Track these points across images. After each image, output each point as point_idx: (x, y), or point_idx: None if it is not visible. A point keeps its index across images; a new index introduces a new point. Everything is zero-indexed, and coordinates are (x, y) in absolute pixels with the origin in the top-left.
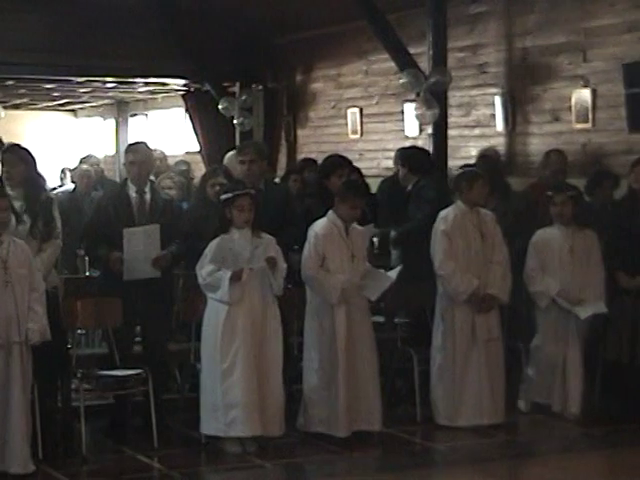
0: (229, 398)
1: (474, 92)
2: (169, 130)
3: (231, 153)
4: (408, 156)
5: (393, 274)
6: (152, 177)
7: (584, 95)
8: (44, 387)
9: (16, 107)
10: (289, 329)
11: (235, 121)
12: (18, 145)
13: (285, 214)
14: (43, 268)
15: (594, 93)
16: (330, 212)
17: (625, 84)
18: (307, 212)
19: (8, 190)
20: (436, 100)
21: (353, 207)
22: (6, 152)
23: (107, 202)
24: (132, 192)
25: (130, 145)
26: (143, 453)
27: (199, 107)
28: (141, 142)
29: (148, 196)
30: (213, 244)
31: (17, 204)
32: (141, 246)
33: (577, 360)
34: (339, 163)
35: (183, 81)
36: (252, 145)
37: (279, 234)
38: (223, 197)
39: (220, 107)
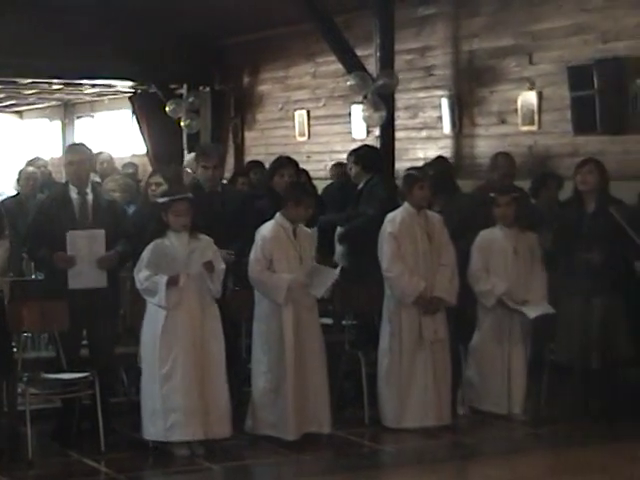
0: (169, 403)
1: (421, 94)
2: (116, 132)
3: (193, 155)
4: (361, 154)
5: (336, 270)
6: (98, 179)
7: (530, 98)
8: None
9: None
10: (238, 331)
11: (182, 123)
12: None
13: (243, 218)
14: None
15: (540, 96)
16: (278, 214)
17: (570, 87)
18: (258, 214)
19: None
20: (383, 102)
21: (301, 208)
22: None
23: (49, 204)
24: (73, 193)
25: (69, 146)
26: (90, 457)
27: (146, 109)
28: (80, 143)
29: (90, 197)
30: (149, 248)
31: None
32: (85, 250)
33: (521, 361)
34: (280, 163)
35: (130, 83)
36: (216, 150)
37: (237, 238)
38: (160, 201)
39: (167, 109)
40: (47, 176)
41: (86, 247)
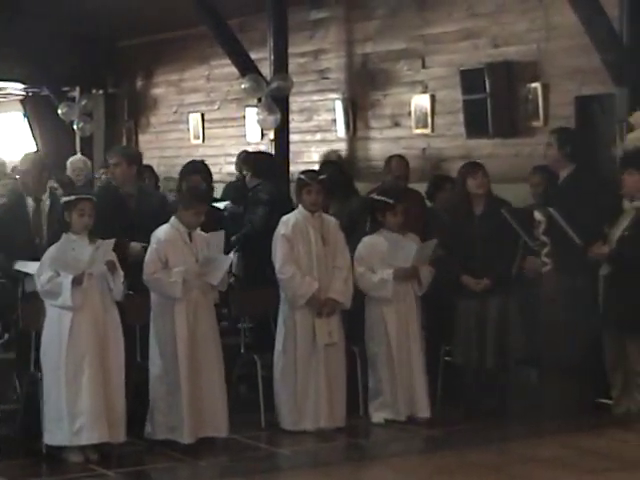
0: (75, 406)
1: (315, 97)
2: (7, 135)
3: (73, 158)
4: (251, 159)
5: (229, 256)
6: None
7: (423, 101)
8: None
9: None
10: (133, 335)
11: (75, 126)
12: None
13: (161, 221)
14: None
15: (433, 99)
16: (173, 218)
17: (462, 90)
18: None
19: None
20: (278, 105)
21: (195, 213)
22: None
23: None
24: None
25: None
26: None
27: (38, 112)
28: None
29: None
30: (52, 249)
31: None
32: None
33: (421, 363)
34: (189, 168)
35: (21, 85)
36: (119, 149)
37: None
38: (64, 199)
39: (60, 112)
40: None
41: None
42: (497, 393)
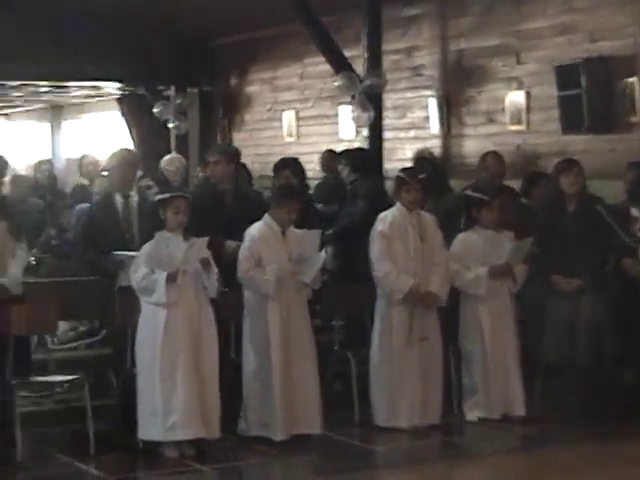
0: (169, 402)
1: (409, 94)
2: (104, 134)
3: (168, 156)
4: (351, 156)
5: (322, 254)
6: (85, 181)
7: (518, 97)
8: None
9: None
10: (228, 332)
11: (170, 125)
12: None
13: (257, 218)
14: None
15: (528, 95)
16: (266, 215)
17: (558, 86)
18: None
19: None
20: (371, 103)
21: (288, 211)
22: None
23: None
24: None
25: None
26: (79, 459)
27: (134, 110)
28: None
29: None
30: (147, 246)
31: None
32: None
33: (516, 361)
34: (281, 164)
35: (118, 84)
36: (219, 147)
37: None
38: (158, 197)
39: (155, 110)
40: (51, 180)
41: None
42: (592, 392)
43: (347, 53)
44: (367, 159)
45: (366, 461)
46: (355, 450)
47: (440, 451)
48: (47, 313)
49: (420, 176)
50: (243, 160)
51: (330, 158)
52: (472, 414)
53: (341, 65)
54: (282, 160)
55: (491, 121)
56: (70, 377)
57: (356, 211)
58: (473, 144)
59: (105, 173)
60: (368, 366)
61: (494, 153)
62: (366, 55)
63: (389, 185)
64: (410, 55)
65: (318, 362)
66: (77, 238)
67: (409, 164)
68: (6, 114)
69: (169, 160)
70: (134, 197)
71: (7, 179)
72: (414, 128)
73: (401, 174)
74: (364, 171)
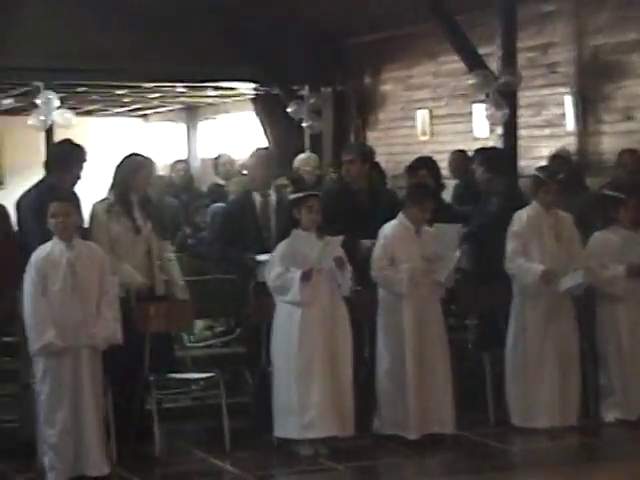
0: (305, 400)
1: (544, 92)
2: (239, 134)
3: (302, 155)
4: (485, 156)
5: (457, 253)
6: (220, 181)
7: None
8: (120, 390)
9: (88, 113)
10: (361, 330)
11: (304, 124)
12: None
13: (391, 218)
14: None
15: None
16: (400, 214)
17: None
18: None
19: (131, 196)
20: (506, 100)
21: (422, 210)
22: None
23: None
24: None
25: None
26: (215, 456)
27: (269, 110)
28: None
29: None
30: (282, 245)
31: (135, 209)
32: None
33: None
34: (411, 165)
35: (252, 85)
36: (354, 146)
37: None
38: (292, 197)
39: (289, 110)
40: (187, 180)
41: None
42: None
43: (481, 51)
44: (501, 158)
45: (501, 461)
46: (490, 450)
47: (576, 453)
48: (184, 311)
49: (559, 177)
50: (377, 159)
51: (459, 159)
52: (609, 415)
53: (475, 63)
54: (418, 159)
55: (629, 118)
56: (206, 375)
57: (491, 210)
58: (610, 141)
59: (245, 172)
60: (502, 366)
61: (631, 151)
62: (500, 53)
63: (523, 183)
64: (545, 52)
65: (452, 361)
66: (214, 237)
67: (544, 162)
68: (143, 115)
69: (303, 159)
70: (272, 196)
71: None
72: (549, 126)
73: (539, 174)
74: (498, 170)
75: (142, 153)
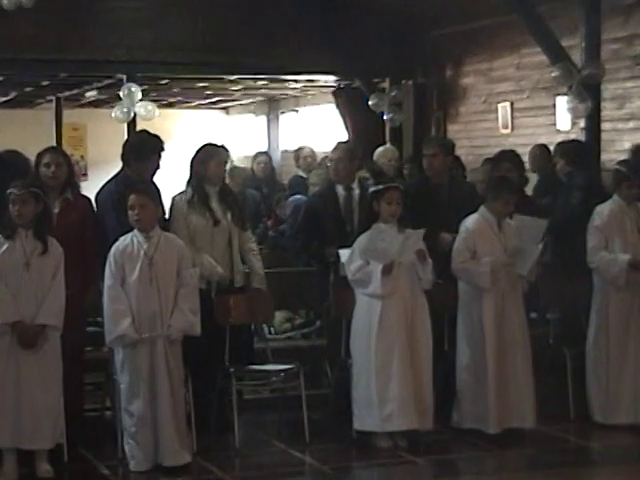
0: (385, 393)
1: (629, 84)
2: (320, 126)
3: (380, 149)
4: (567, 148)
5: (539, 246)
6: (302, 173)
7: None
8: (200, 381)
9: (170, 105)
10: (441, 323)
11: (385, 117)
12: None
13: (471, 211)
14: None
15: None
16: (482, 207)
17: None
18: None
19: (208, 188)
20: (589, 93)
21: (505, 204)
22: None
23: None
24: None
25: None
26: (295, 447)
27: (349, 103)
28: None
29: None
30: (362, 238)
31: (213, 201)
32: None
33: None
34: (494, 158)
35: (333, 77)
36: (436, 139)
37: None
38: (372, 190)
39: (370, 103)
40: (267, 172)
41: None
42: None
43: (564, 43)
44: (583, 151)
45: (581, 458)
46: (570, 446)
47: None
48: (264, 303)
49: None
50: (457, 152)
51: (540, 154)
52: None
53: (558, 55)
54: (501, 152)
55: None
56: (286, 366)
57: (573, 203)
58: None
59: (328, 164)
60: (584, 361)
61: None
62: (584, 44)
63: (605, 177)
64: (631, 44)
65: (533, 356)
66: (295, 229)
67: (626, 156)
68: (224, 108)
69: (383, 151)
70: (356, 189)
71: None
72: (633, 119)
73: (622, 168)
74: (579, 163)
75: (215, 142)
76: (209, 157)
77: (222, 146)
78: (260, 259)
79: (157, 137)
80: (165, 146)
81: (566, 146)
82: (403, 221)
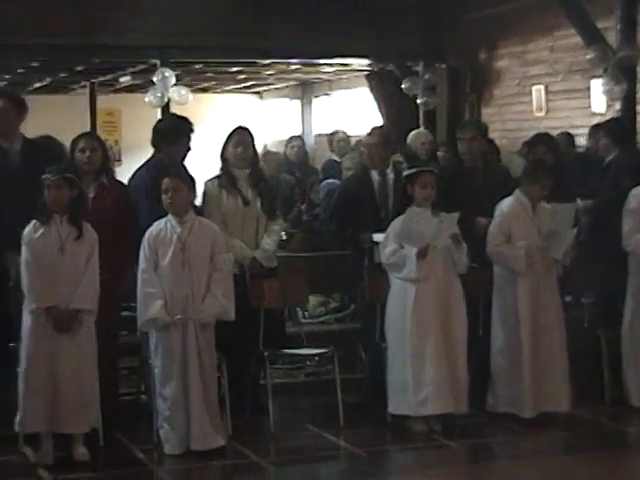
0: (419, 377)
1: None
2: (353, 110)
3: (416, 131)
4: (612, 127)
5: (574, 230)
6: (335, 157)
7: None
8: (235, 365)
9: (203, 90)
10: (476, 307)
11: (419, 100)
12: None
13: (505, 195)
14: (274, 245)
15: None
16: (517, 191)
17: None
18: None
19: (236, 171)
20: (624, 75)
21: (541, 188)
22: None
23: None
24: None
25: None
26: (329, 431)
27: (383, 87)
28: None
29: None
30: (396, 222)
31: (243, 184)
32: None
33: None
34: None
35: (367, 61)
36: (472, 123)
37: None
38: (406, 173)
39: (404, 86)
40: (301, 156)
41: None
42: None
43: (599, 24)
44: (627, 130)
45: (617, 442)
46: (605, 430)
47: None
48: (298, 287)
49: None
50: (491, 136)
51: (565, 142)
52: None
53: (593, 37)
54: (536, 135)
55: None
56: (320, 350)
57: (623, 187)
58: None
59: (362, 149)
60: (619, 344)
61: None
62: (619, 26)
63: None
64: None
65: (568, 340)
66: (329, 213)
67: None
68: (258, 92)
69: (416, 135)
70: (390, 174)
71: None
72: None
73: None
74: (624, 143)
75: (242, 125)
76: (228, 138)
77: (242, 127)
78: (276, 240)
79: (185, 119)
80: (194, 127)
81: (611, 125)
82: (437, 205)
